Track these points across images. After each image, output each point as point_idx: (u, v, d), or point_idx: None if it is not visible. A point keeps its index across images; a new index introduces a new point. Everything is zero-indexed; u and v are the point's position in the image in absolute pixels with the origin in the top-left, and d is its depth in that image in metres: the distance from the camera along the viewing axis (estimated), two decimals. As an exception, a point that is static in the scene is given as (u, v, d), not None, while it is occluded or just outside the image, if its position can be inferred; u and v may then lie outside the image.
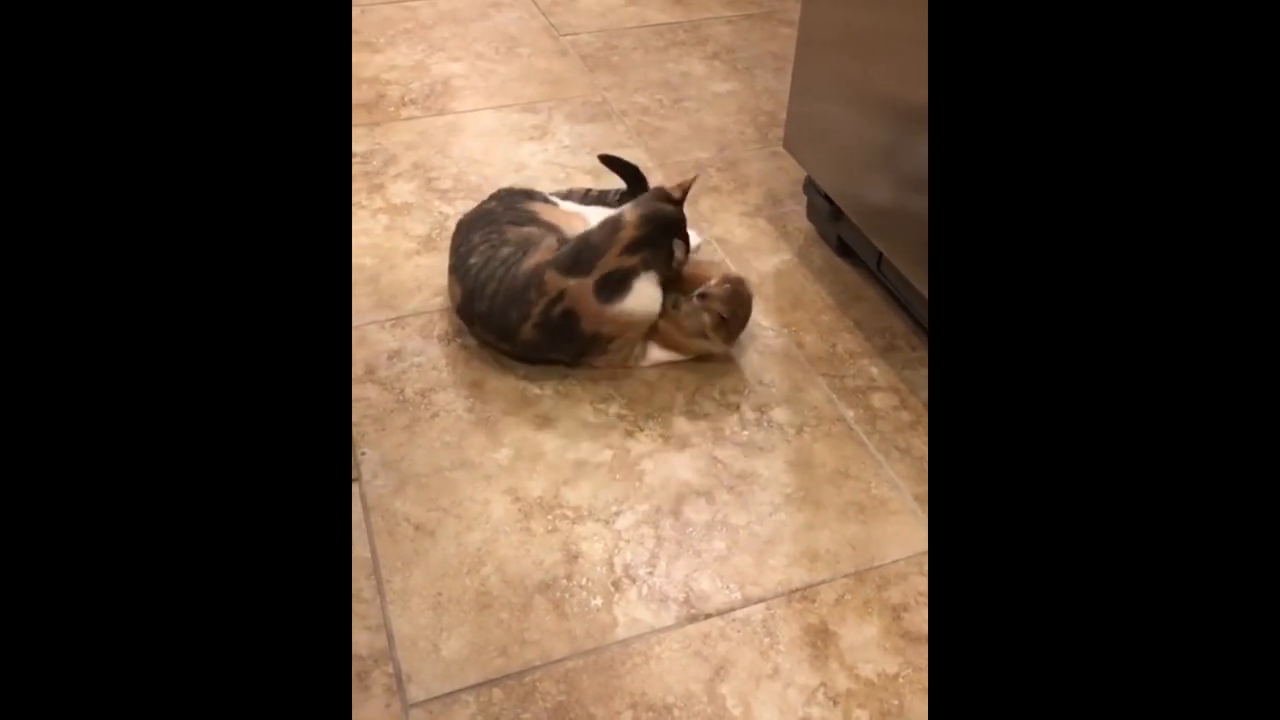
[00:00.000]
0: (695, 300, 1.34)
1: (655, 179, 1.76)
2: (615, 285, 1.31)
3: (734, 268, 1.55)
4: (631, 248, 1.32)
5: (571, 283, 1.31)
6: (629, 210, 1.36)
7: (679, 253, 1.36)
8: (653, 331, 1.37)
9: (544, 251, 1.35)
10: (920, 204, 1.29)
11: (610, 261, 1.31)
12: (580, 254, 1.32)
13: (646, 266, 1.33)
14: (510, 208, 1.46)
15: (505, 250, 1.37)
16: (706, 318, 1.34)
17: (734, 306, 1.35)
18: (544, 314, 1.32)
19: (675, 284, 1.39)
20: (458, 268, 1.39)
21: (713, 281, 1.35)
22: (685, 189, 1.40)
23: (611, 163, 1.59)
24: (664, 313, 1.37)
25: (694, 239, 1.56)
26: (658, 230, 1.34)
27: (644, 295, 1.33)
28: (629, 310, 1.33)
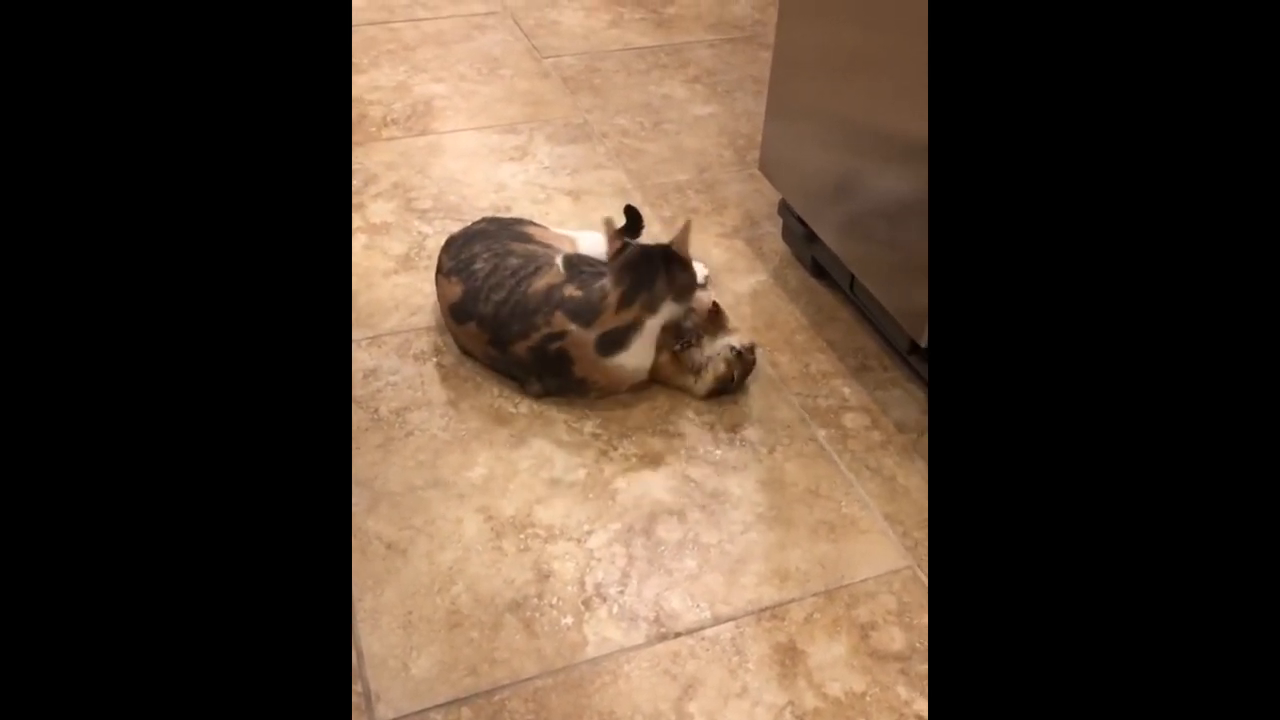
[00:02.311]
0: (725, 350, 1.36)
1: (635, 200, 1.78)
2: (616, 341, 1.33)
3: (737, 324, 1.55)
4: (624, 302, 1.33)
5: (573, 328, 1.33)
6: (609, 274, 1.36)
7: (681, 279, 1.35)
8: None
9: (553, 274, 1.37)
10: (891, 228, 1.31)
11: (609, 320, 1.33)
12: (585, 305, 1.34)
13: (647, 309, 1.33)
14: (505, 228, 1.49)
15: (513, 261, 1.39)
16: (723, 368, 1.36)
17: (745, 373, 1.38)
18: (542, 342, 1.34)
19: (690, 321, 1.39)
20: (458, 270, 1.41)
21: (747, 343, 1.38)
22: (679, 236, 1.39)
23: (629, 212, 1.64)
24: (662, 349, 1.38)
25: (701, 272, 1.58)
26: (637, 272, 1.34)
27: (638, 353, 1.35)
28: (622, 364, 1.35)
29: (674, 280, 1.35)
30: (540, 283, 1.36)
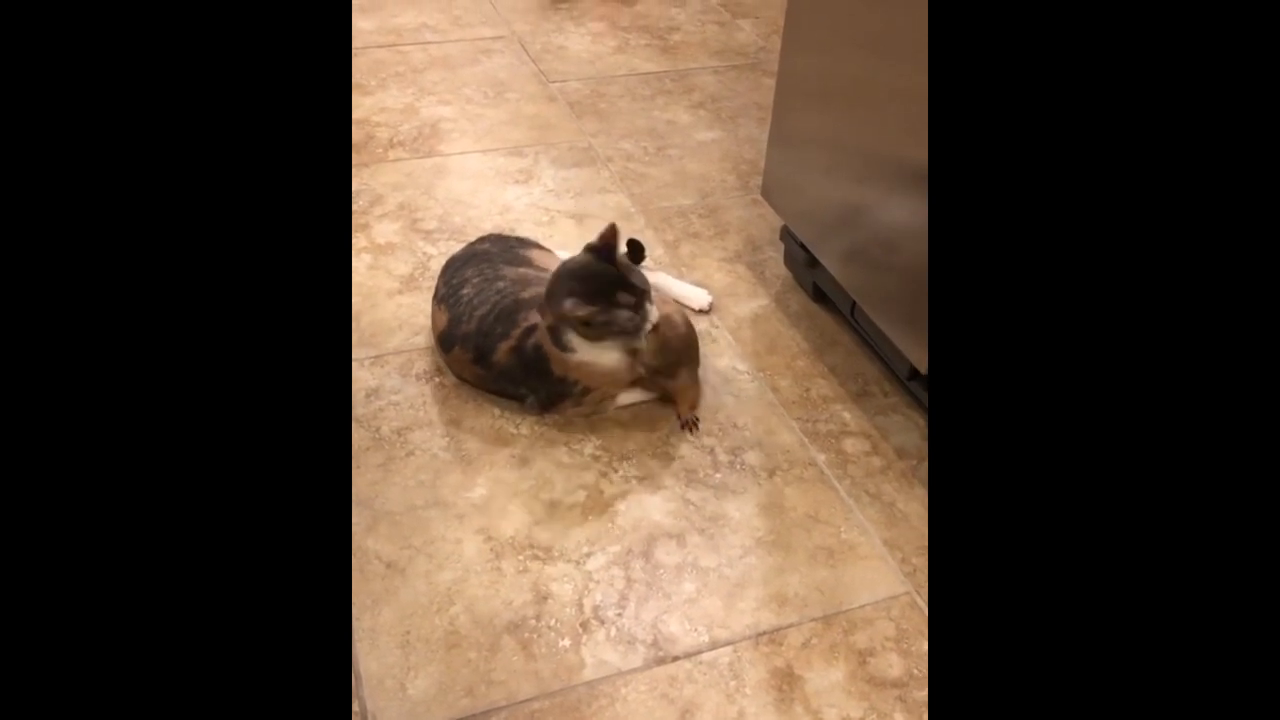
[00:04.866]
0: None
1: (638, 224, 1.79)
2: (558, 338, 1.32)
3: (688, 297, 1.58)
4: (545, 306, 1.32)
5: (539, 319, 1.34)
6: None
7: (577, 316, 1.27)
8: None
9: (537, 287, 1.38)
10: (891, 254, 1.32)
11: (546, 315, 1.33)
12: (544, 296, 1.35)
13: (555, 315, 1.29)
14: (505, 249, 1.49)
15: (501, 284, 1.40)
16: (641, 370, 1.35)
17: (663, 356, 1.34)
18: (521, 339, 1.34)
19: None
20: (447, 297, 1.41)
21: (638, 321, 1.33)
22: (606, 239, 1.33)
23: (632, 244, 1.64)
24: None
25: (703, 297, 1.58)
26: (551, 284, 1.31)
27: (592, 351, 1.32)
28: (587, 361, 1.33)
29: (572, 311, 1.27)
30: (526, 294, 1.37)
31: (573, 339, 1.31)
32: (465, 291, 1.40)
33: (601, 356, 1.33)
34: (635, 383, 1.39)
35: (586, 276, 1.29)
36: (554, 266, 1.46)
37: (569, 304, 1.26)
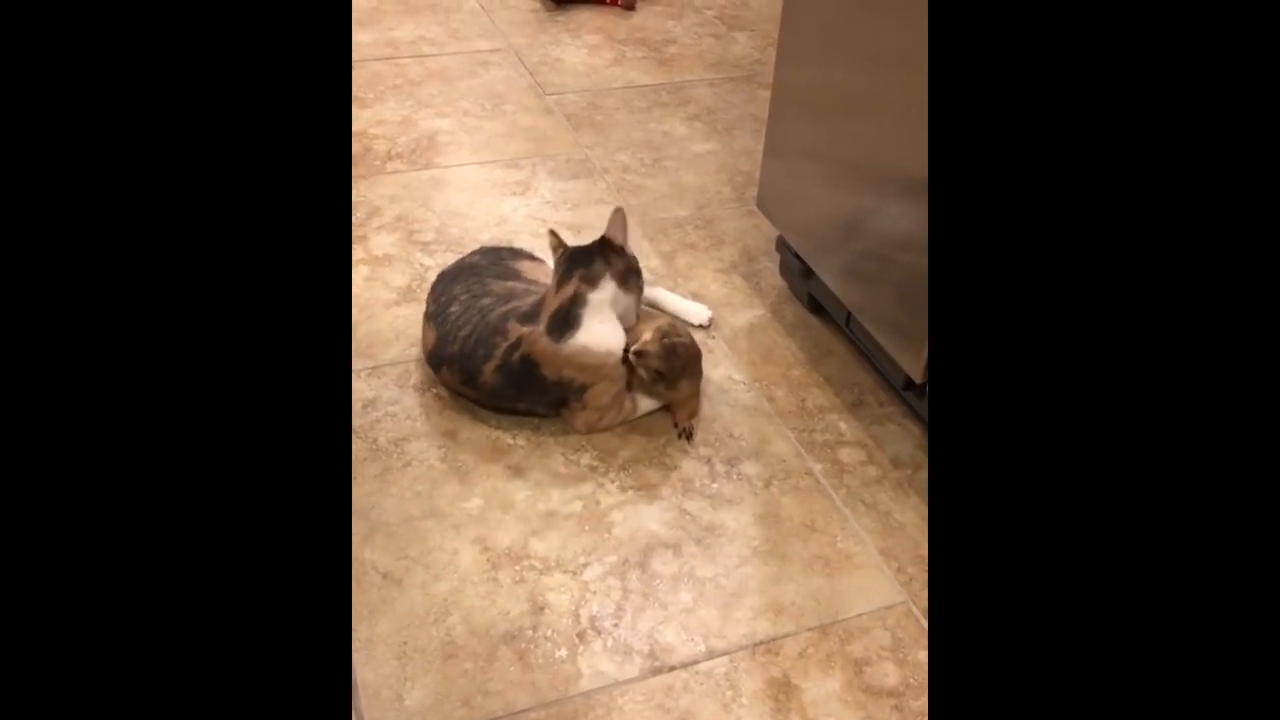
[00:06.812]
0: (632, 358, 1.34)
1: (634, 235, 1.80)
2: (563, 321, 1.33)
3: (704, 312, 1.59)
4: (561, 281, 1.35)
5: (525, 329, 1.34)
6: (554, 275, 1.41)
7: (617, 263, 1.38)
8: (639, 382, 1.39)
9: (521, 300, 1.39)
10: (886, 265, 1.32)
11: (551, 303, 1.34)
12: (533, 306, 1.36)
13: (585, 282, 1.34)
14: (495, 263, 1.49)
15: (486, 300, 1.40)
16: (643, 374, 1.35)
17: (668, 362, 1.34)
18: (504, 357, 1.34)
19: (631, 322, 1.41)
20: (435, 315, 1.41)
21: (647, 337, 1.35)
22: (610, 225, 1.42)
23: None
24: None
25: (703, 313, 1.58)
26: (572, 257, 1.38)
27: (596, 331, 1.34)
28: (584, 346, 1.33)
29: (610, 262, 1.37)
30: (504, 308, 1.37)
31: (585, 310, 1.33)
32: (453, 310, 1.40)
33: (600, 335, 1.34)
34: (644, 390, 1.39)
35: (593, 244, 1.41)
36: (544, 278, 1.47)
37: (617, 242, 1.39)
